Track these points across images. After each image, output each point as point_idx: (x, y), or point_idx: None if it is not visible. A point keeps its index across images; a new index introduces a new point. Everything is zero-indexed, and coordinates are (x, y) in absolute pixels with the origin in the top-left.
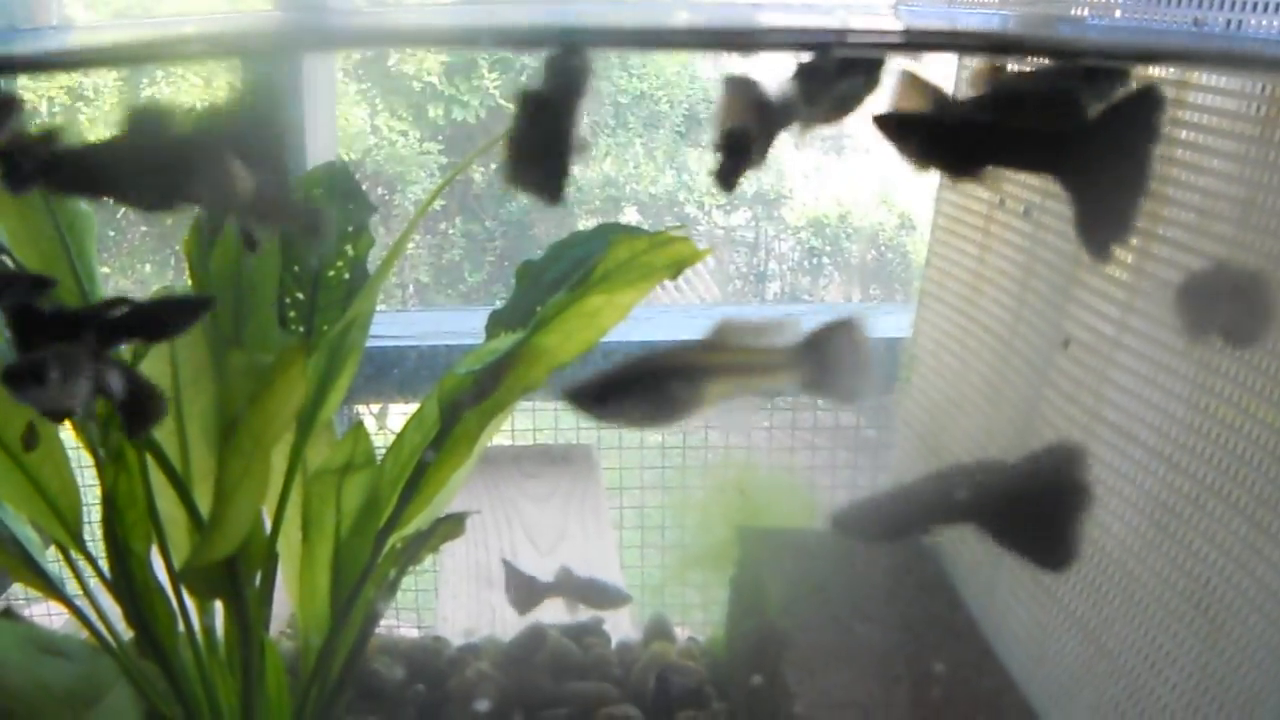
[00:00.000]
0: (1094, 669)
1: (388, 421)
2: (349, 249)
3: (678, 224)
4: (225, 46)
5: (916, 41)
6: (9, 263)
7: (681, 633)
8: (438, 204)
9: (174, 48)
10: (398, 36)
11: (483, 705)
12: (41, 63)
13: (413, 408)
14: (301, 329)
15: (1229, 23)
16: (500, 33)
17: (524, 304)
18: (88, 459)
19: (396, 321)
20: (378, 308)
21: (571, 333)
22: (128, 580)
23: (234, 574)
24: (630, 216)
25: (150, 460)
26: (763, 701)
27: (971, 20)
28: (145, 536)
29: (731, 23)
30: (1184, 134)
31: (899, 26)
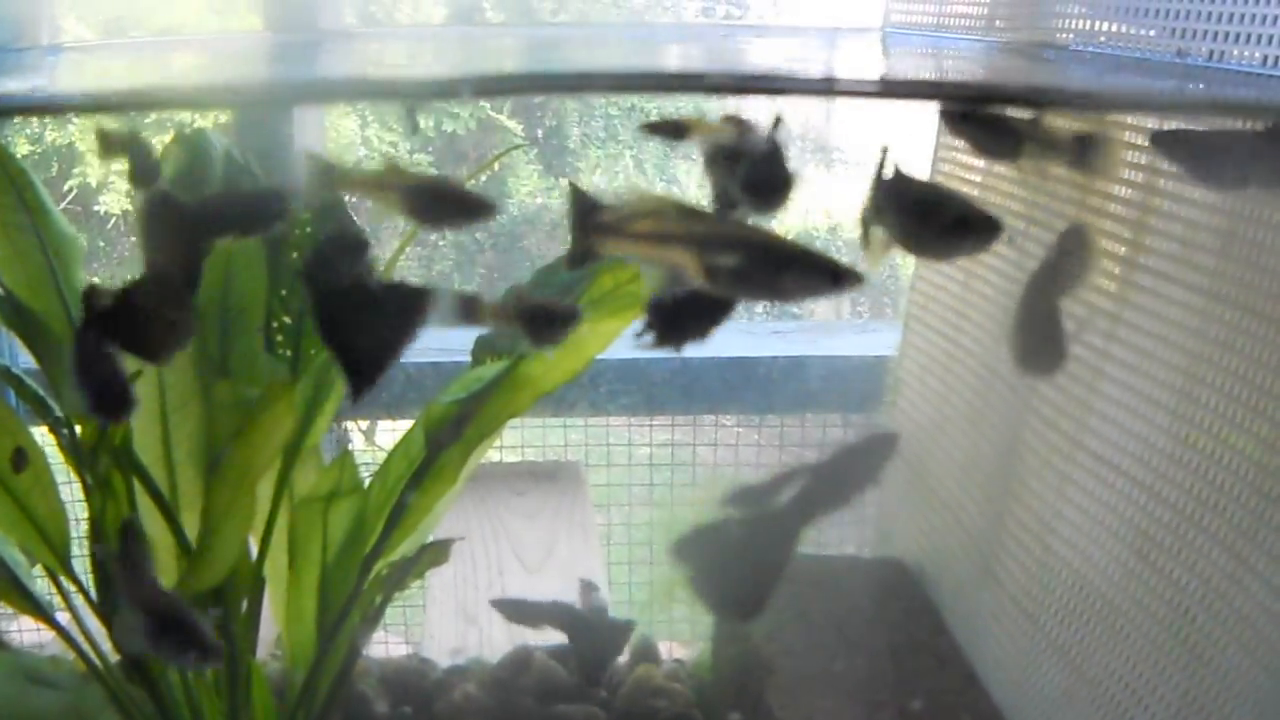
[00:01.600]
0: (1076, 696)
1: (376, 439)
2: None
3: None
4: (211, 101)
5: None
6: None
7: (667, 652)
8: None
9: (161, 100)
10: (381, 90)
11: None
12: (28, 109)
13: (403, 425)
14: (288, 353)
15: (1211, 54)
16: (481, 81)
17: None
18: (75, 481)
19: None
20: None
21: (557, 360)
22: (114, 604)
23: (220, 601)
24: None
25: (137, 485)
26: None
27: (959, 46)
28: None
29: (722, 68)
30: (1166, 165)
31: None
